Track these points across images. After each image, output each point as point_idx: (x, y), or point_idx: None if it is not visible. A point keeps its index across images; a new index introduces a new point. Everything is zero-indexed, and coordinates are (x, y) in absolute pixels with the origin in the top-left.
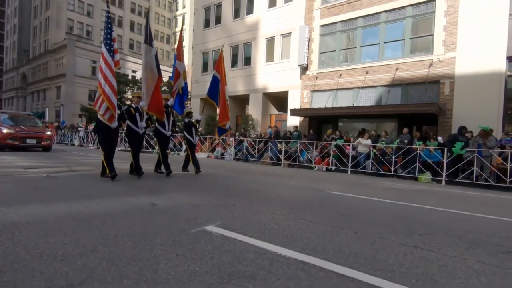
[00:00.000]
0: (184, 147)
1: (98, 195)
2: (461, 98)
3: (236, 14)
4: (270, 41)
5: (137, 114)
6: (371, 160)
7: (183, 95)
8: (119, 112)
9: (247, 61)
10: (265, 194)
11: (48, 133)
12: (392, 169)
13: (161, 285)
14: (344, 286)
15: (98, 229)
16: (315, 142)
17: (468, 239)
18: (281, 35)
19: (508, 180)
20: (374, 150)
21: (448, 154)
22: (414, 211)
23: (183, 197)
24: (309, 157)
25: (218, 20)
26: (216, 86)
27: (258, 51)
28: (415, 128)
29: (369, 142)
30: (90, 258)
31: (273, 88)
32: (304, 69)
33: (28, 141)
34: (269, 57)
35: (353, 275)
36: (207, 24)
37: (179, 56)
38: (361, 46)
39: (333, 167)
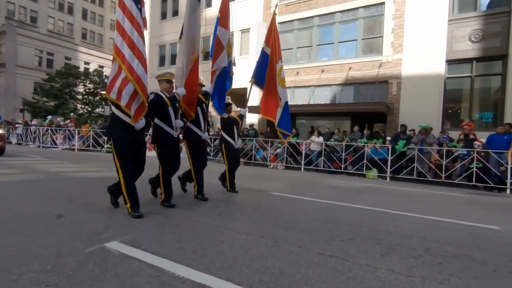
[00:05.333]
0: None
1: None
2: (407, 98)
3: None
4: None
5: (170, 107)
6: (323, 157)
7: (225, 81)
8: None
9: (206, 56)
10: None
11: (0, 131)
12: (342, 166)
13: None
14: None
15: None
16: (270, 140)
17: (386, 243)
18: (240, 30)
19: (443, 175)
20: (326, 148)
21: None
22: (345, 212)
23: (106, 202)
24: (265, 155)
25: (175, 13)
26: (264, 65)
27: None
28: (367, 126)
29: (321, 139)
30: None
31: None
32: None
33: None
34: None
35: None
36: (163, 16)
37: (223, 20)
38: (317, 45)
39: (281, 166)
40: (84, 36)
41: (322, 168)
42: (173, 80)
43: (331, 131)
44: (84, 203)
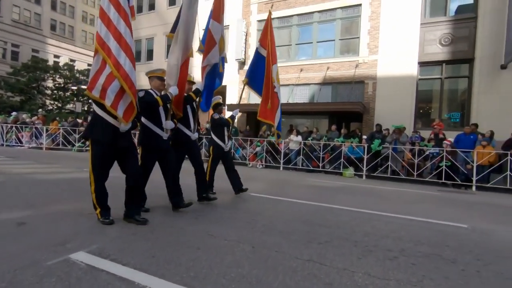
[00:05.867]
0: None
1: None
2: (382, 98)
3: (172, 1)
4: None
5: (161, 106)
6: (301, 156)
7: (214, 78)
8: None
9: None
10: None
11: None
12: (320, 165)
13: None
14: None
15: None
16: (249, 139)
17: (363, 244)
18: None
19: (415, 173)
20: (304, 147)
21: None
22: (323, 213)
23: (74, 207)
24: (244, 154)
25: (152, 7)
26: (260, 67)
27: (196, 42)
28: (344, 124)
29: (299, 138)
30: None
31: (222, 82)
32: (241, 63)
33: None
34: None
35: None
36: (139, 9)
37: (216, 13)
38: (296, 44)
39: (260, 165)
40: (53, 27)
41: (300, 167)
42: (165, 78)
43: (310, 130)
44: (50, 209)
